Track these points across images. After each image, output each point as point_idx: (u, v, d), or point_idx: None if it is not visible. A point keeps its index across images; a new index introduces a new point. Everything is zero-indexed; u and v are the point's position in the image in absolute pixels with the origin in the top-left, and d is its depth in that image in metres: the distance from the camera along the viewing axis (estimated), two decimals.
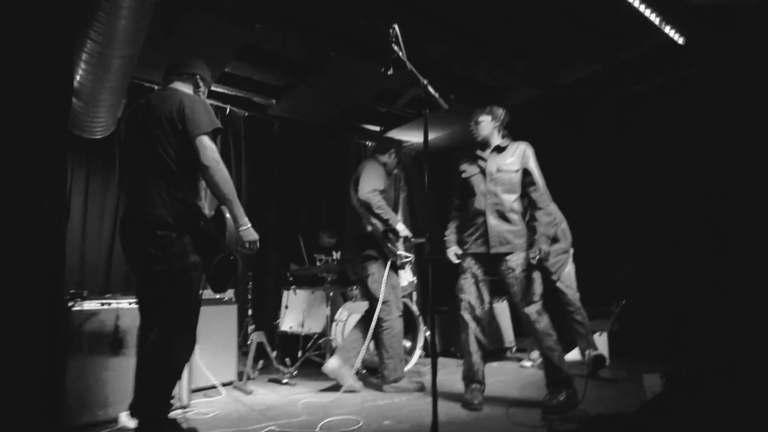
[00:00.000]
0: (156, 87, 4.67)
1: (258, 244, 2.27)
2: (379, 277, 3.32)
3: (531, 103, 5.03)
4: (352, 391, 3.24)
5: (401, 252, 3.37)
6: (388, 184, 3.45)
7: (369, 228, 3.36)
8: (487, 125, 3.02)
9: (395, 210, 3.40)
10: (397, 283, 3.44)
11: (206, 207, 2.29)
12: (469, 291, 2.94)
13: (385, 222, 3.25)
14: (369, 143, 6.39)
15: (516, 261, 2.82)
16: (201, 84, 2.43)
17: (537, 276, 2.82)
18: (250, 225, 2.24)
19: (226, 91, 4.90)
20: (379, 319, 3.29)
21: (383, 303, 3.28)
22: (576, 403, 2.65)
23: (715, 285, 3.78)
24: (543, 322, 2.76)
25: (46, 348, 2.07)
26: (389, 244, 3.32)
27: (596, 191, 4.92)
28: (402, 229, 3.30)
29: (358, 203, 3.36)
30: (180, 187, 2.13)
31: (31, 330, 1.98)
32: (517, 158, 2.95)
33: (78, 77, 3.13)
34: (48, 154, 2.19)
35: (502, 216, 2.88)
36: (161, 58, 4.10)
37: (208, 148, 2.10)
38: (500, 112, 3.05)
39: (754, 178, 3.63)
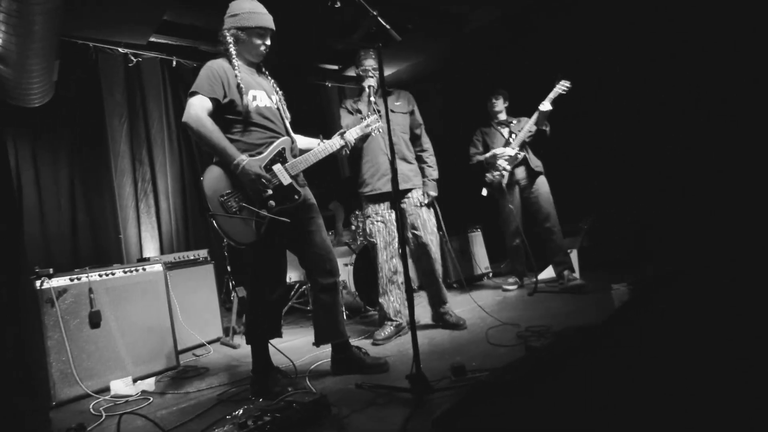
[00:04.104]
0: (91, 44, 4.32)
1: (263, 180, 2.14)
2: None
3: (494, 25, 4.87)
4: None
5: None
6: None
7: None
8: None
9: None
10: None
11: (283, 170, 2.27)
12: None
13: None
14: (329, 84, 6.16)
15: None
16: (229, 38, 2.35)
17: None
18: (243, 161, 2.12)
19: (169, 42, 4.57)
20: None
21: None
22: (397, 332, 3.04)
23: (676, 196, 3.91)
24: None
25: (18, 331, 2.02)
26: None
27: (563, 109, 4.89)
28: None
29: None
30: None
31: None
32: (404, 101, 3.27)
33: None
34: None
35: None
36: (90, 10, 3.78)
37: (190, 106, 2.16)
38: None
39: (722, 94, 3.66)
